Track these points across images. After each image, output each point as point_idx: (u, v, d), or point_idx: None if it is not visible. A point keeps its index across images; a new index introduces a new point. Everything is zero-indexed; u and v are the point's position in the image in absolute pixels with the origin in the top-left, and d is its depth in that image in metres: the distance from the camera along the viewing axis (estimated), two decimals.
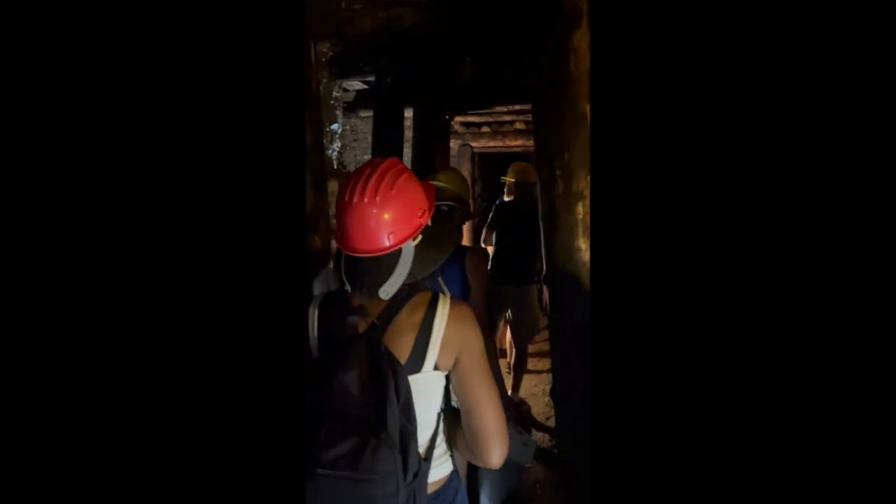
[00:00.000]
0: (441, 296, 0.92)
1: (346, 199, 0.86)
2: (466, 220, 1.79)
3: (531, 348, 3.45)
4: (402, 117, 3.16)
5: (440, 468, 0.95)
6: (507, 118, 4.45)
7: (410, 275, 0.90)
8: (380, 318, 0.89)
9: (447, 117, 4.13)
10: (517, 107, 3.61)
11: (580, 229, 1.71)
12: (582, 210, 1.71)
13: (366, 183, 0.85)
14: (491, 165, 6.16)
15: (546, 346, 3.48)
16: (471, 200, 2.03)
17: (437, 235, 0.96)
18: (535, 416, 3.17)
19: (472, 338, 0.90)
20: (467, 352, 0.89)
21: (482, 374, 0.89)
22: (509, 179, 3.06)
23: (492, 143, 5.32)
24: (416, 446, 0.85)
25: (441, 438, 0.96)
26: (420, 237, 0.91)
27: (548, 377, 3.50)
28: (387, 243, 0.86)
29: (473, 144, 5.36)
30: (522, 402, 3.23)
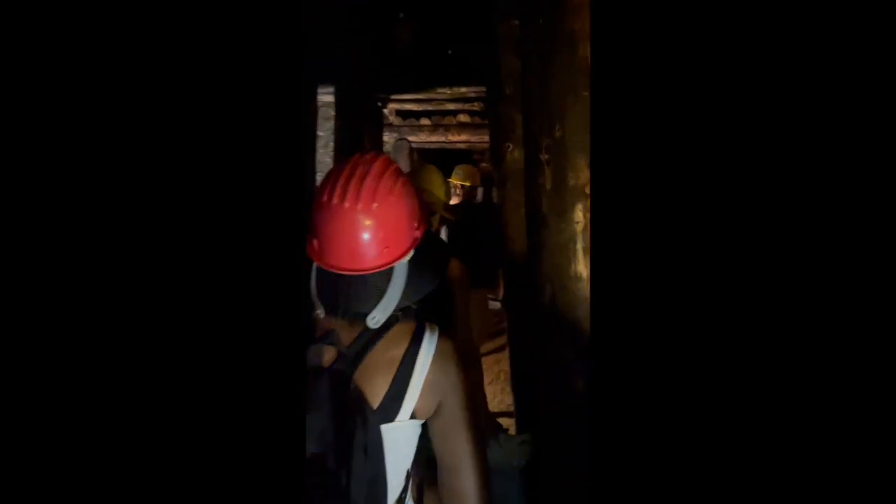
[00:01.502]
0: (428, 327, 0.76)
1: (331, 201, 0.69)
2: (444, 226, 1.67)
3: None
4: (313, 98, 2.45)
5: None
6: (452, 107, 3.83)
7: (403, 299, 0.74)
8: (350, 349, 0.73)
9: (378, 104, 3.47)
10: (464, 90, 2.99)
11: (579, 247, 1.10)
12: (582, 217, 1.09)
13: (359, 184, 0.69)
14: (431, 162, 5.54)
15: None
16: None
17: (429, 251, 0.81)
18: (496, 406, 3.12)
19: (460, 382, 0.75)
20: (453, 399, 0.74)
21: (468, 426, 0.74)
22: (458, 182, 2.84)
23: (433, 138, 4.70)
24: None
25: (409, 497, 0.79)
26: (412, 253, 0.74)
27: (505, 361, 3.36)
28: (380, 260, 0.71)
29: (411, 139, 4.71)
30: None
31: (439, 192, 1.59)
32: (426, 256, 0.78)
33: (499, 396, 4.03)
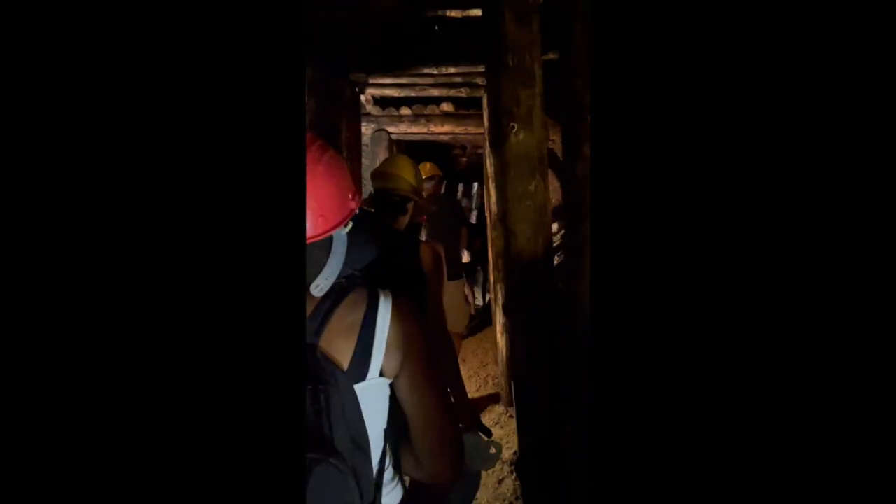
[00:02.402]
0: (381, 291, 0.82)
1: None
2: (421, 213, 1.70)
3: None
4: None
5: (391, 495, 0.86)
6: (436, 93, 3.49)
7: (346, 266, 0.80)
8: (312, 319, 0.77)
9: (356, 88, 3.11)
10: (452, 70, 2.66)
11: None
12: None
13: None
14: (411, 156, 5.20)
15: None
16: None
17: (370, 222, 0.98)
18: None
19: (419, 337, 0.82)
20: (414, 353, 0.80)
21: (431, 379, 0.81)
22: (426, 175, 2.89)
23: (413, 130, 4.35)
24: (371, 470, 0.77)
25: (389, 460, 0.84)
26: (351, 224, 0.81)
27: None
28: (316, 230, 0.75)
29: (391, 130, 4.35)
30: None
31: (409, 176, 1.64)
32: (366, 227, 0.84)
33: (489, 405, 3.76)
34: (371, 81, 3.22)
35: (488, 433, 1.64)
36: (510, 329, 2.17)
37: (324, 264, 0.77)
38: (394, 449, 0.85)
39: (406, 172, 1.66)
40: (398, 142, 4.76)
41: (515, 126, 1.83)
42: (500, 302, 3.69)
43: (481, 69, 2.63)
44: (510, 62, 1.79)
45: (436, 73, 2.69)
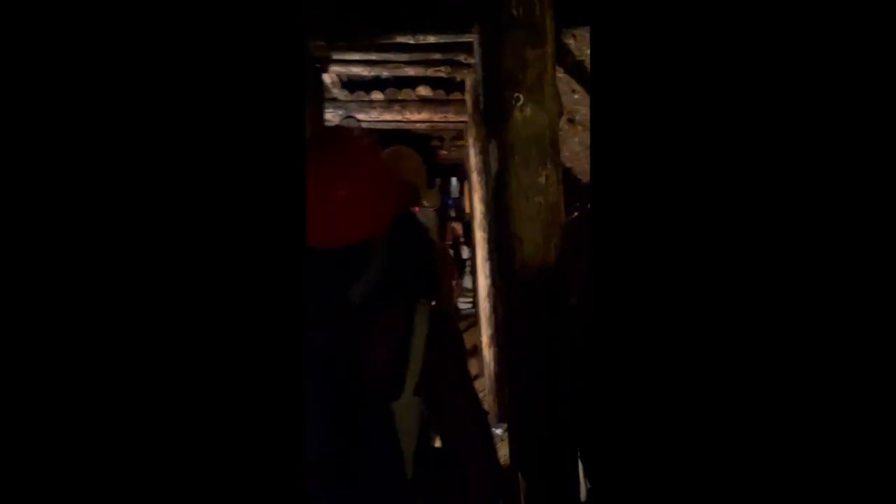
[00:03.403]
0: (419, 302, 0.76)
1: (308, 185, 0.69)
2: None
3: None
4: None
5: None
6: (412, 72, 3.04)
7: (387, 272, 0.75)
8: (349, 327, 0.72)
9: (317, 65, 2.63)
10: (432, 39, 2.21)
11: None
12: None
13: (328, 168, 0.72)
14: (384, 143, 4.74)
15: None
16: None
17: (407, 230, 0.88)
18: None
19: (459, 349, 0.81)
20: (451, 369, 0.76)
21: (469, 395, 0.77)
22: None
23: (386, 117, 3.88)
24: (402, 495, 0.72)
25: (417, 485, 0.77)
26: (389, 232, 0.78)
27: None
28: (356, 235, 0.73)
29: (361, 117, 3.87)
30: None
31: (416, 174, 1.54)
32: (404, 235, 0.83)
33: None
34: (335, 57, 2.75)
35: None
36: (510, 349, 1.74)
37: (364, 270, 0.73)
38: (424, 474, 0.77)
39: (408, 165, 1.54)
40: (370, 132, 4.28)
41: (521, 98, 1.39)
42: (485, 311, 3.28)
43: (467, 39, 2.20)
44: (514, 12, 1.36)
45: (412, 42, 2.24)
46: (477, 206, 3.18)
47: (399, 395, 0.69)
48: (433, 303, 0.75)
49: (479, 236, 3.24)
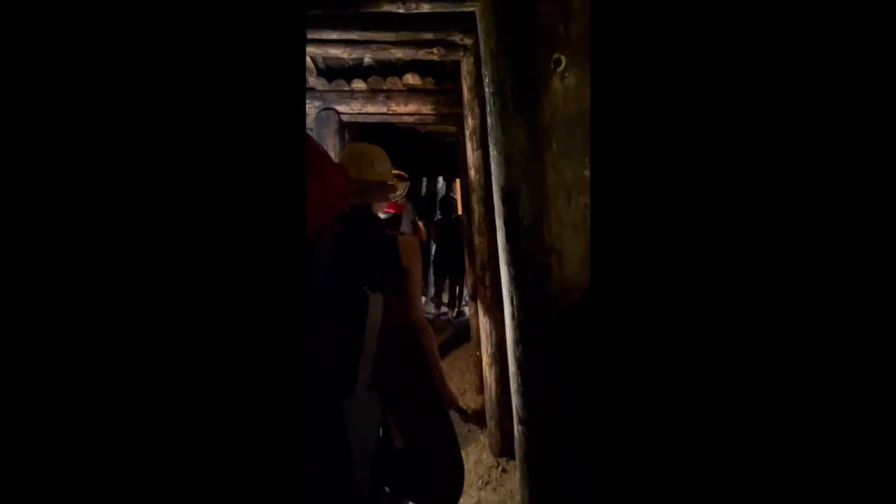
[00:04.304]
0: (371, 293, 0.72)
1: None
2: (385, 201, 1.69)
3: None
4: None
5: None
6: (399, 54, 2.64)
7: (334, 268, 0.75)
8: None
9: None
10: (426, 8, 1.83)
11: None
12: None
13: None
14: (367, 139, 4.34)
15: None
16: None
17: (357, 220, 0.90)
18: None
19: (414, 341, 0.73)
20: (408, 361, 0.71)
21: (430, 390, 0.72)
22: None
23: (370, 109, 3.48)
24: (356, 490, 0.68)
25: (376, 483, 0.74)
26: (336, 226, 0.78)
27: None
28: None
29: (341, 109, 3.47)
30: None
31: (379, 164, 1.62)
32: (351, 224, 0.85)
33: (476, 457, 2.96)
34: (310, 36, 2.34)
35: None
36: (539, 395, 1.36)
37: (309, 267, 0.70)
38: (383, 469, 0.73)
39: (374, 159, 1.60)
40: (350, 124, 3.87)
41: (562, 61, 1.02)
42: (485, 328, 2.90)
43: (467, 8, 1.81)
44: None
45: (402, 12, 1.84)
46: (475, 208, 2.80)
47: (352, 392, 0.66)
48: (385, 294, 0.74)
49: (479, 241, 2.86)
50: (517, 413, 1.31)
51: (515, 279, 1.20)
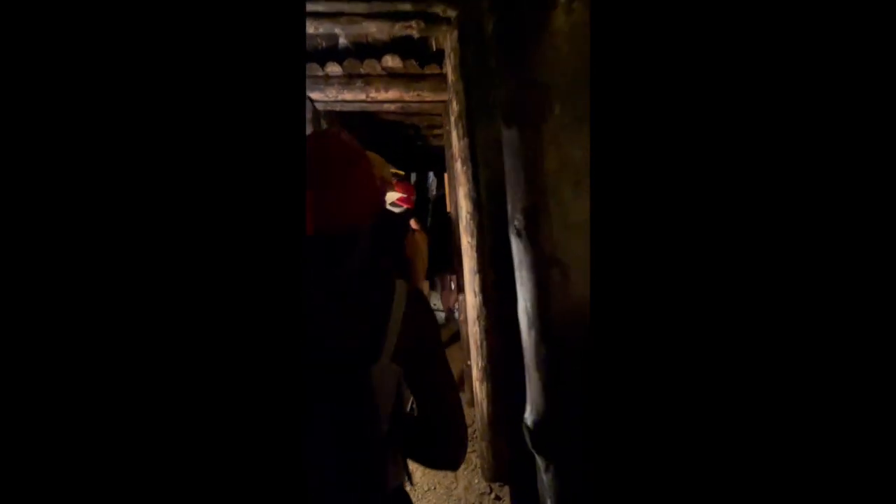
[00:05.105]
0: (397, 280, 0.85)
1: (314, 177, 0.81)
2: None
3: None
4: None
5: (397, 475, 0.86)
6: (373, 29, 2.31)
7: (371, 256, 0.86)
8: (339, 299, 0.80)
9: None
10: None
11: None
12: None
13: (332, 169, 0.83)
14: (347, 130, 4.01)
15: None
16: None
17: (387, 221, 1.03)
18: None
19: (432, 324, 0.85)
20: (427, 340, 0.83)
21: (442, 365, 0.84)
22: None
23: (346, 96, 3.15)
24: (379, 450, 0.80)
25: (394, 442, 0.84)
26: (373, 221, 0.89)
27: None
28: (348, 224, 0.83)
29: (315, 97, 3.13)
30: None
31: (381, 171, 1.63)
32: (384, 224, 0.98)
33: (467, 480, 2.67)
34: None
35: None
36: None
37: (349, 254, 0.81)
38: (399, 432, 0.84)
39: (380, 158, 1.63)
40: (327, 113, 3.53)
41: None
42: (475, 338, 2.59)
43: None
44: None
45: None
46: (463, 205, 2.48)
47: (377, 360, 0.77)
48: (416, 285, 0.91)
49: (466, 242, 2.55)
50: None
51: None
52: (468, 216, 2.44)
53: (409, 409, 0.87)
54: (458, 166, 2.46)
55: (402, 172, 3.62)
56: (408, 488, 0.92)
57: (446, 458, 0.82)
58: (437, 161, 5.51)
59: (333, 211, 0.79)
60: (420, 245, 1.81)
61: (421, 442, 0.82)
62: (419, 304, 0.82)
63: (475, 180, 2.35)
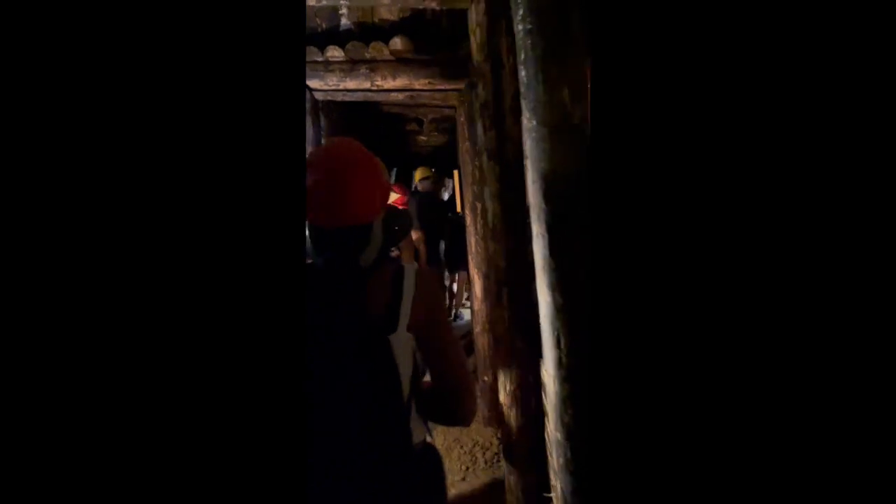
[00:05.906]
0: (406, 265, 1.00)
1: (327, 176, 0.93)
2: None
3: None
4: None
5: (416, 432, 0.98)
6: (384, 13, 1.97)
7: (383, 245, 0.99)
8: (359, 281, 0.95)
9: None
10: None
11: None
12: None
13: (347, 160, 0.95)
14: (347, 124, 3.66)
15: None
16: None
17: (394, 214, 1.07)
18: None
19: (439, 299, 1.01)
20: (435, 312, 0.97)
21: (449, 332, 0.99)
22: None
23: (350, 85, 2.81)
24: (403, 408, 0.92)
25: (413, 406, 0.97)
26: (383, 214, 1.01)
27: None
28: (367, 217, 0.96)
29: (314, 85, 2.79)
30: None
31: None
32: (392, 218, 1.04)
33: None
34: None
35: None
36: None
37: (368, 242, 0.96)
38: (419, 395, 0.98)
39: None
40: (327, 104, 3.19)
41: None
42: (481, 351, 2.26)
43: None
44: None
45: None
46: (489, 207, 2.15)
47: (394, 330, 0.92)
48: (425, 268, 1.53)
49: (493, 250, 2.22)
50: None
51: (563, 311, 1.01)
52: (496, 219, 2.11)
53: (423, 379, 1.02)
54: (485, 161, 2.12)
55: (431, 170, 4.05)
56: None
57: (461, 411, 0.97)
58: (448, 157, 5.17)
59: (358, 205, 0.93)
60: (411, 239, 1.88)
61: (436, 401, 0.97)
62: (427, 282, 0.98)
63: (505, 179, 2.02)
